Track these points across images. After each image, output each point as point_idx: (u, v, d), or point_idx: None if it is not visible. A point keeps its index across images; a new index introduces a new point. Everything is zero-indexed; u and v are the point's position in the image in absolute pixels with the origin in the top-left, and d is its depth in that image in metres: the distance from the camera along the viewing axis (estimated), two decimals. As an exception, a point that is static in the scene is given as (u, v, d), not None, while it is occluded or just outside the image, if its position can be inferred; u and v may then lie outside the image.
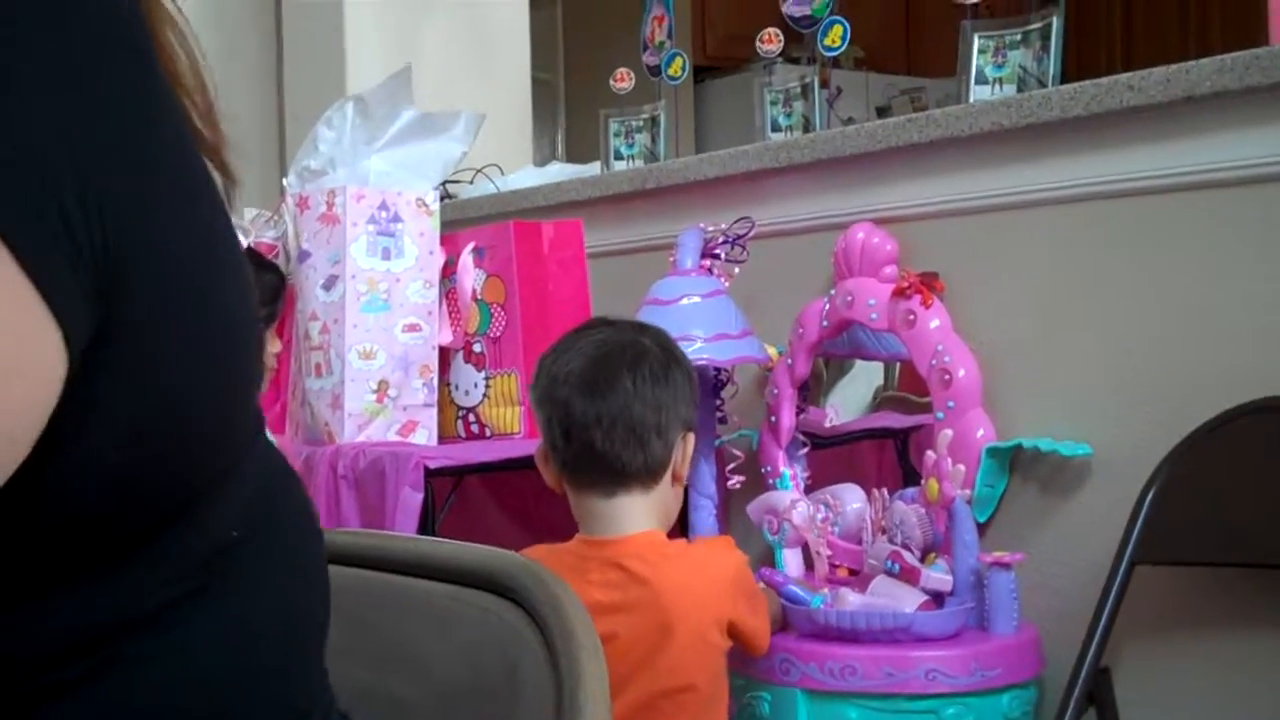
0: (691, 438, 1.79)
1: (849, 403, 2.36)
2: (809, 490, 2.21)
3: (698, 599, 1.69)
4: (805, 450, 2.28)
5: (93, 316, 0.60)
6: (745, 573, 1.78)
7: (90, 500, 0.64)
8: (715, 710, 1.73)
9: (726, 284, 2.19)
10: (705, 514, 2.24)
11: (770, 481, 2.24)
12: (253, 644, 0.74)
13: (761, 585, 1.94)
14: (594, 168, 2.92)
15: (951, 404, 2.02)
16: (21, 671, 0.65)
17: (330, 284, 2.44)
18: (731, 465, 2.27)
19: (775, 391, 2.26)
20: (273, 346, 2.40)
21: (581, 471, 1.76)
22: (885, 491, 2.05)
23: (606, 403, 1.71)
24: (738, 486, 2.25)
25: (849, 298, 2.14)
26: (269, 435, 0.80)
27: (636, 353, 1.74)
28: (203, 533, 0.70)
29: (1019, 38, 2.12)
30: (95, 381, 0.61)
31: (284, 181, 2.72)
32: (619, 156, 2.81)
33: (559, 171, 3.07)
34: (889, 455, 2.30)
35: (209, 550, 0.71)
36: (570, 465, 1.76)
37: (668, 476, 1.76)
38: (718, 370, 2.23)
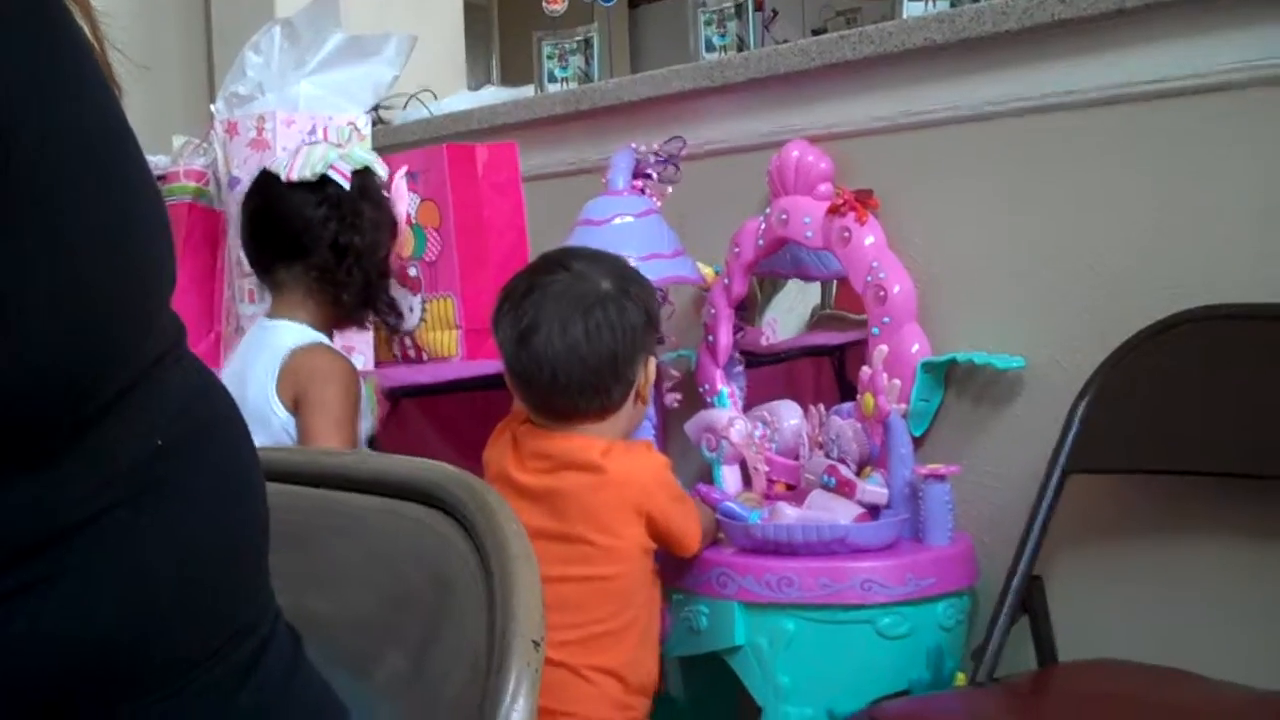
0: (653, 360, 1.84)
1: (786, 321, 2.36)
2: (746, 408, 2.22)
3: (619, 490, 1.76)
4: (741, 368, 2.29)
5: None
6: (667, 472, 1.84)
7: (3, 396, 0.63)
8: (643, 618, 1.77)
9: (659, 204, 2.18)
10: (645, 433, 2.24)
11: (708, 400, 2.24)
12: (189, 557, 0.74)
13: (696, 500, 1.96)
14: (528, 90, 2.89)
15: (887, 319, 2.02)
16: None
17: (262, 210, 2.41)
18: (669, 384, 2.27)
19: (713, 311, 2.26)
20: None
21: (539, 415, 1.84)
22: (822, 407, 2.07)
23: (565, 366, 1.76)
24: (675, 405, 2.26)
25: (784, 216, 2.14)
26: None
27: (590, 301, 1.77)
28: (127, 437, 0.70)
29: (952, -48, 2.11)
30: None
31: (212, 108, 2.68)
32: (553, 79, 2.79)
33: (492, 95, 3.04)
34: (826, 372, 2.31)
35: (137, 455, 0.71)
36: (530, 406, 1.84)
37: (629, 401, 1.83)
38: (652, 290, 2.23)
